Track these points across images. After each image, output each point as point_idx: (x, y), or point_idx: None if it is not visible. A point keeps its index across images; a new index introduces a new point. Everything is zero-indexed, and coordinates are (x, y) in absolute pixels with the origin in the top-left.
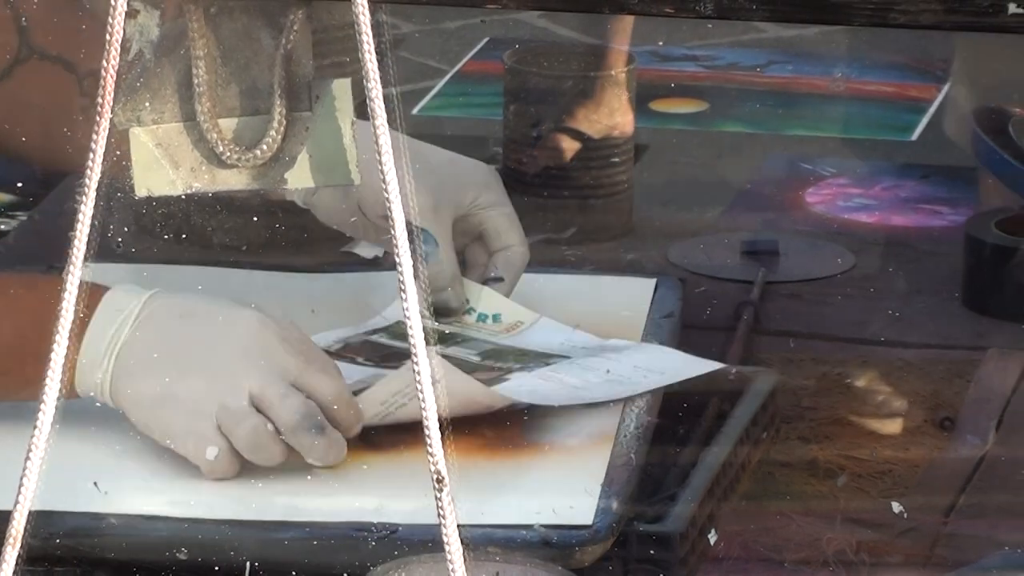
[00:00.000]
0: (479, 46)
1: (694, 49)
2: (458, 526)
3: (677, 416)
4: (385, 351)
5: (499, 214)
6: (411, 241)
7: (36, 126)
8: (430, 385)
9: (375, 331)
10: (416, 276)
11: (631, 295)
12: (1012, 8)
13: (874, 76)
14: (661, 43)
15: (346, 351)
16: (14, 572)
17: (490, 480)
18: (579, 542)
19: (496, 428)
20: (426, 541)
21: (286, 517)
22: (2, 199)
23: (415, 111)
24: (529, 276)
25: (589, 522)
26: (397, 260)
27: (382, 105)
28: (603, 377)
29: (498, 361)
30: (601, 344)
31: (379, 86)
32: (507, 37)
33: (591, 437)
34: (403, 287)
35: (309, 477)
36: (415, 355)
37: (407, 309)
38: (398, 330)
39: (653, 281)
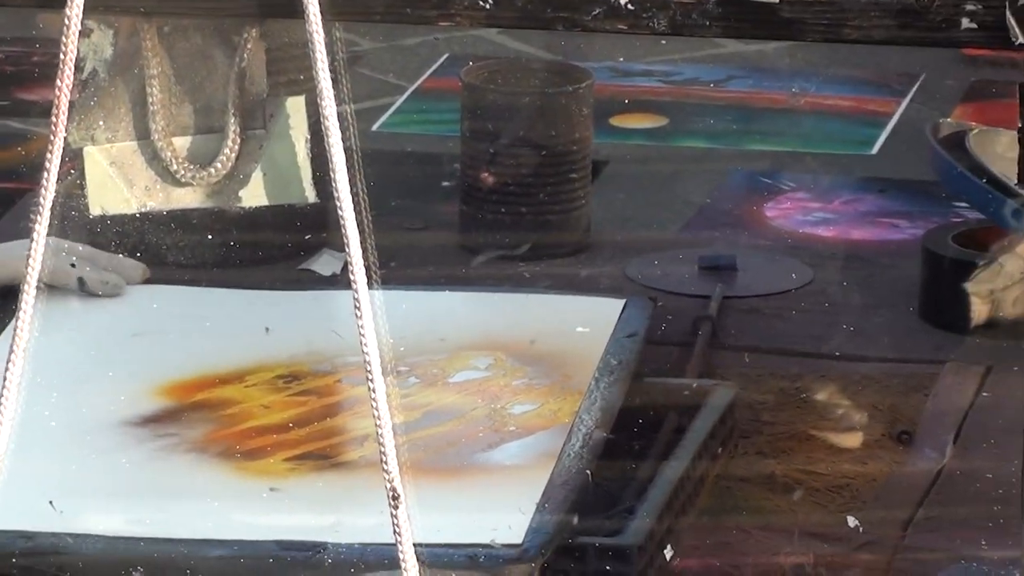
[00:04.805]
0: (438, 63)
1: (653, 64)
2: (382, 544)
3: (634, 431)
4: None
5: None
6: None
7: None
8: (385, 403)
9: None
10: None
11: (597, 314)
12: (965, 23)
13: (833, 90)
14: (621, 59)
15: None
16: None
17: (430, 500)
18: (507, 561)
19: (440, 447)
20: (352, 558)
21: (244, 536)
22: None
23: (374, 128)
24: (487, 295)
25: (519, 541)
26: (352, 280)
27: (336, 123)
28: None
29: None
30: None
31: (333, 104)
32: (466, 53)
33: (536, 456)
34: (358, 306)
35: (265, 495)
36: (369, 372)
37: (362, 327)
38: None
39: (621, 301)
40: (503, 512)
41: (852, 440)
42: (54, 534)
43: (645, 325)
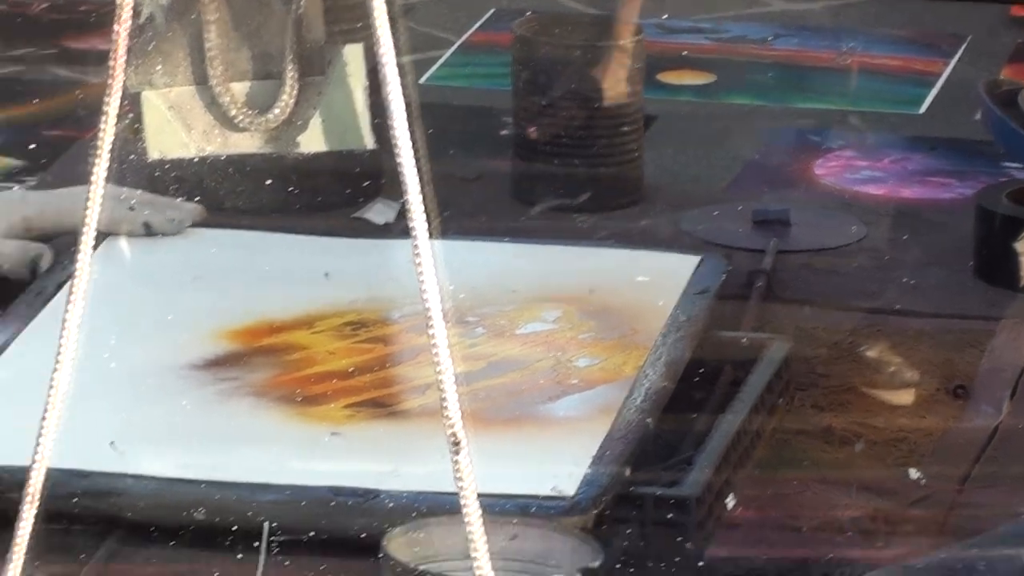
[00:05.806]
0: (485, 16)
1: (700, 21)
2: (436, 492)
3: (693, 383)
4: None
5: None
6: None
7: None
8: (446, 348)
9: None
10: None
11: (672, 270)
12: None
13: (881, 50)
14: (665, 16)
15: None
16: (32, 530)
17: (487, 449)
18: (559, 512)
19: (501, 398)
20: (407, 504)
21: (301, 481)
22: (13, 164)
23: (422, 81)
24: (558, 248)
25: (571, 493)
26: (411, 227)
27: (395, 71)
28: None
29: None
30: None
31: (392, 52)
32: (512, 8)
33: (596, 409)
34: (418, 253)
35: (326, 440)
36: (430, 319)
37: (421, 275)
38: None
39: (698, 258)
40: (561, 464)
41: (905, 395)
42: (111, 474)
43: (718, 282)
